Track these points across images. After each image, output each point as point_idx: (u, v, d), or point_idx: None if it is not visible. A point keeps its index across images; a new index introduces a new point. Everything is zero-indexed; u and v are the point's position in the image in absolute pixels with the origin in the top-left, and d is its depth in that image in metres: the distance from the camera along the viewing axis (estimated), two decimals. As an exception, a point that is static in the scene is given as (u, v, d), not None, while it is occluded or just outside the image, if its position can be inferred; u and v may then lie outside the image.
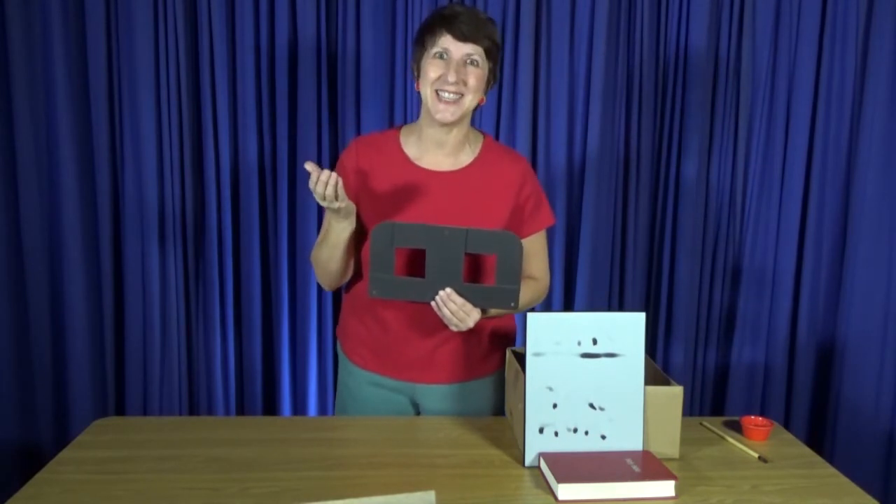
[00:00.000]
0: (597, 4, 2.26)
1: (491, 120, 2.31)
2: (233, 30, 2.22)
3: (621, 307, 2.42)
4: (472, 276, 1.50)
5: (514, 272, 1.39)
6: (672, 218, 2.40)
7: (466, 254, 1.39)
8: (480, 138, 1.58)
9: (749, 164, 2.40)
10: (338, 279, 1.56)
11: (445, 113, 1.43)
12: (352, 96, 2.27)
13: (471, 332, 1.52)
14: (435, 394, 1.59)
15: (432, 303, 1.40)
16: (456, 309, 1.38)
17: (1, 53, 2.11)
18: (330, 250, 1.48)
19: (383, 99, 2.29)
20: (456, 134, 1.51)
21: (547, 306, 2.39)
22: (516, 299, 1.40)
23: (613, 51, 2.31)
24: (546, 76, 2.30)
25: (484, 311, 1.44)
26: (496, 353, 1.62)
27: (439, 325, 1.49)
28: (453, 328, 1.41)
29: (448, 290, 1.38)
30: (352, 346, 1.63)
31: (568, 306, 2.42)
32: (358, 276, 1.61)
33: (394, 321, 1.54)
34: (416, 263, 1.47)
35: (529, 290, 1.55)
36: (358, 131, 2.29)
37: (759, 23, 2.33)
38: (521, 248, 1.38)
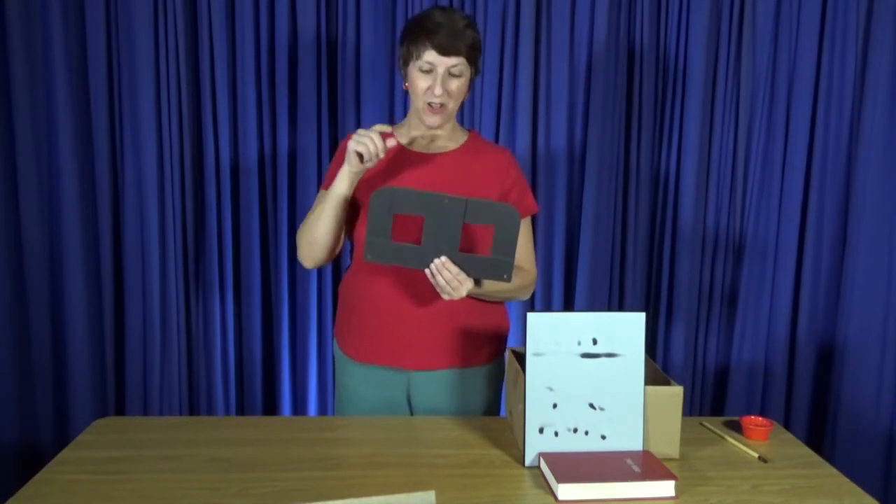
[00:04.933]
0: (597, 4, 2.27)
1: (491, 118, 2.31)
2: (233, 29, 2.23)
3: (621, 307, 2.42)
4: (465, 249, 1.52)
5: (510, 244, 1.39)
6: (672, 217, 2.40)
7: (463, 224, 1.40)
8: (466, 131, 1.70)
9: (749, 163, 2.39)
10: (324, 251, 1.57)
11: (433, 120, 1.57)
12: (352, 95, 2.28)
13: (464, 317, 1.59)
14: (429, 382, 1.61)
15: (426, 270, 1.41)
16: (451, 277, 1.40)
17: (1, 53, 2.11)
18: (328, 212, 1.51)
19: (383, 97, 2.29)
20: (443, 129, 1.64)
21: (547, 306, 2.39)
22: (510, 271, 1.41)
23: (613, 49, 2.31)
24: (546, 75, 2.30)
25: (477, 283, 1.46)
26: (489, 345, 1.66)
27: (432, 306, 1.54)
28: (445, 297, 1.43)
29: (443, 257, 1.39)
30: (349, 341, 1.66)
31: (568, 306, 2.42)
32: (351, 268, 1.67)
33: (387, 305, 1.57)
34: (412, 231, 1.50)
35: (517, 279, 1.58)
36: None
37: (759, 23, 2.33)
38: (518, 221, 1.39)
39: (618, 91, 2.33)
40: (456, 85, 1.54)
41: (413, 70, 1.54)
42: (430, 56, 1.50)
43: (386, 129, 1.46)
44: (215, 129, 2.25)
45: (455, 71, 1.53)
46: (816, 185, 2.39)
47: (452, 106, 1.57)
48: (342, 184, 1.49)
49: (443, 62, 1.51)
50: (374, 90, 2.27)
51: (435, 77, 1.52)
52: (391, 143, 1.48)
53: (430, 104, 1.54)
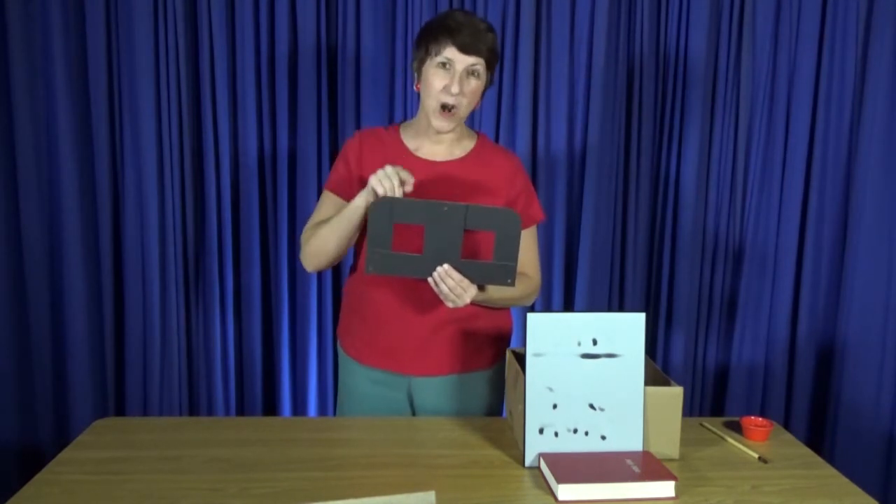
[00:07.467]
0: (597, 4, 2.27)
1: (491, 119, 2.31)
2: (233, 30, 2.23)
3: (621, 307, 2.42)
4: (468, 255, 1.52)
5: (512, 249, 1.38)
6: (672, 217, 2.40)
7: (465, 231, 1.39)
8: (475, 135, 1.67)
9: (749, 164, 2.39)
10: (332, 261, 1.58)
11: (443, 123, 1.53)
12: (352, 96, 2.28)
13: (466, 322, 1.58)
14: (431, 387, 1.61)
15: (429, 279, 1.40)
16: (454, 285, 1.39)
17: (1, 53, 2.11)
18: (345, 223, 1.49)
19: (383, 99, 2.29)
20: (451, 133, 1.60)
21: (547, 306, 2.39)
22: (514, 276, 1.40)
23: (613, 50, 2.31)
24: (546, 76, 2.30)
25: (482, 289, 1.46)
26: (491, 348, 1.65)
27: (435, 311, 1.53)
28: (450, 304, 1.42)
29: (446, 266, 1.38)
30: (351, 342, 1.66)
31: (568, 306, 2.42)
32: (354, 270, 1.66)
33: (390, 309, 1.57)
34: (414, 240, 1.49)
35: (521, 286, 1.57)
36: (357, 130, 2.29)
37: (759, 23, 2.33)
38: (520, 225, 1.38)
39: (618, 92, 2.33)
40: (473, 86, 1.51)
41: (430, 68, 1.51)
42: (451, 52, 1.48)
43: (409, 179, 1.41)
44: (215, 130, 2.25)
45: (473, 70, 1.50)
46: (816, 185, 2.39)
47: (464, 110, 1.53)
48: (359, 204, 1.46)
49: (462, 60, 1.48)
50: (374, 92, 2.27)
51: (453, 75, 1.49)
52: (408, 188, 1.42)
53: (443, 106, 1.51)
